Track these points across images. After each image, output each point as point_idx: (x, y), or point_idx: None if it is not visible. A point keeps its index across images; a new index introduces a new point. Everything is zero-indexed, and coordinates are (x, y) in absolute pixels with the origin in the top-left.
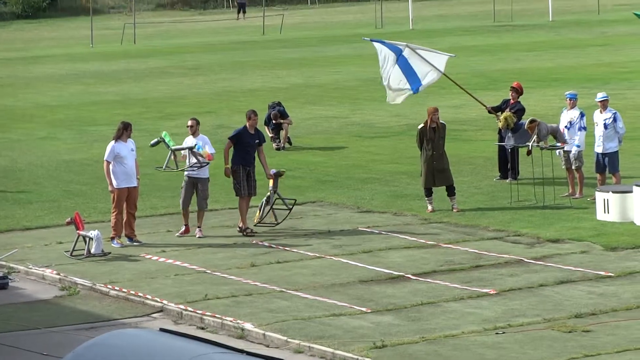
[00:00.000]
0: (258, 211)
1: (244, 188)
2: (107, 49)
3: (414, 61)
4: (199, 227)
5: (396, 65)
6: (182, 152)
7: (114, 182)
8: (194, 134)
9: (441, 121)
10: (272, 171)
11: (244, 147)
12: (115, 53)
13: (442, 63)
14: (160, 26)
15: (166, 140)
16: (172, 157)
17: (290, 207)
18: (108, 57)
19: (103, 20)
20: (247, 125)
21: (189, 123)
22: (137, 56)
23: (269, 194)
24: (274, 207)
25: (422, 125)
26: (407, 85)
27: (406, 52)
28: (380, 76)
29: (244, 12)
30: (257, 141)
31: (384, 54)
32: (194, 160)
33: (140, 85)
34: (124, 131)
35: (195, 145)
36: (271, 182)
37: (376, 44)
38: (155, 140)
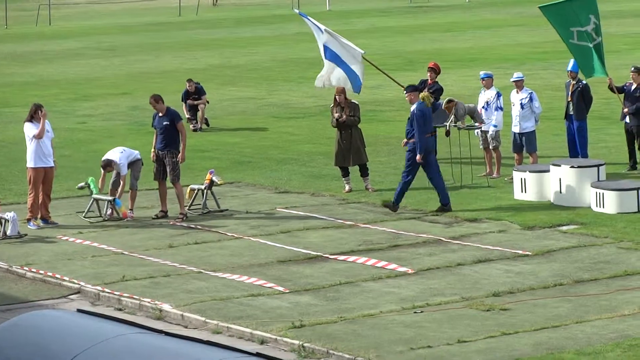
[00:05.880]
0: (188, 196)
1: (155, 171)
2: (22, 30)
3: (336, 48)
4: (130, 209)
5: (327, 61)
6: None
7: (32, 163)
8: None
9: (353, 100)
10: (211, 171)
11: (156, 131)
12: (30, 34)
13: (357, 56)
14: (76, 7)
15: (91, 187)
16: (95, 204)
17: (219, 210)
18: (22, 39)
19: (17, 1)
20: None
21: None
22: (52, 37)
23: (203, 187)
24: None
25: (332, 104)
26: (349, 85)
27: (325, 37)
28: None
29: None
30: (165, 123)
31: (313, 30)
32: (110, 211)
33: (55, 66)
34: (36, 111)
35: (114, 199)
36: (207, 179)
37: (305, 19)
38: (82, 184)
